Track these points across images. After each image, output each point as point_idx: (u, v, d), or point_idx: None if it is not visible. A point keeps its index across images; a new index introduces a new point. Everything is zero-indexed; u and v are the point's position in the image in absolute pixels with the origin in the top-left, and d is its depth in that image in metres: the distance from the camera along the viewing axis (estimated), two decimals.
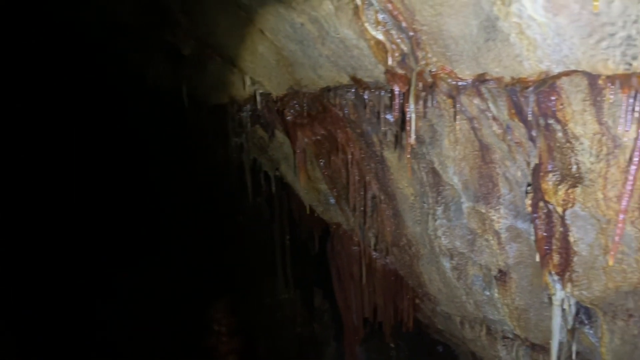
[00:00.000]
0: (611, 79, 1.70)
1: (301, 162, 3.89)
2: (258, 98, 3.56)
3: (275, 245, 5.98)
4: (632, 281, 2.32)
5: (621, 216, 1.64)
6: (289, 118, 3.56)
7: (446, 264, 3.27)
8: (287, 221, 5.64)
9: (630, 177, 1.60)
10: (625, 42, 1.50)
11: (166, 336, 5.36)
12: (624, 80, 1.57)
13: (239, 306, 5.75)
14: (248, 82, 3.47)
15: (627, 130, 1.64)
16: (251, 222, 6.13)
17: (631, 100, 1.59)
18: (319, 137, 3.63)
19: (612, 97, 1.77)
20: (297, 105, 3.46)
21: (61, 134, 5.65)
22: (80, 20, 4.01)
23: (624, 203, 1.62)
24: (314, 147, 3.75)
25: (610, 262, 1.79)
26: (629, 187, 1.61)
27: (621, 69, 1.55)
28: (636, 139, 1.54)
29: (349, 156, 3.50)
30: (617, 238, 1.67)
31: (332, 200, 4.12)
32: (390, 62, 2.35)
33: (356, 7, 2.24)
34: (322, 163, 3.80)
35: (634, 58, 1.49)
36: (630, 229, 2.09)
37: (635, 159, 1.56)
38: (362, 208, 3.75)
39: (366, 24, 2.24)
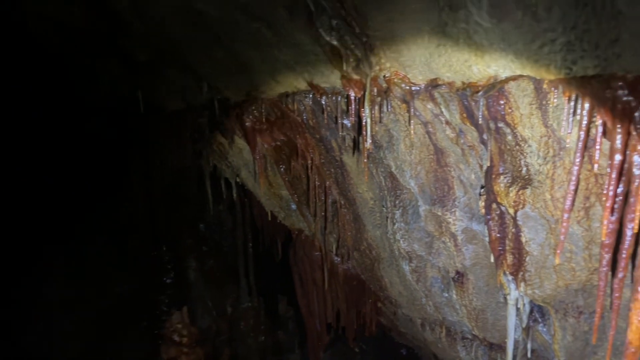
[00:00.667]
0: (554, 83, 1.76)
1: (261, 168, 3.88)
2: (216, 104, 3.52)
3: (238, 253, 5.92)
4: (581, 279, 2.41)
5: (565, 215, 1.69)
6: (248, 124, 3.54)
7: (405, 267, 3.31)
8: (250, 228, 5.60)
9: (573, 178, 1.66)
10: (565, 48, 1.55)
11: (125, 348, 5.21)
12: (565, 85, 1.62)
13: (200, 316, 5.66)
14: (205, 88, 3.43)
15: (569, 133, 1.70)
16: (213, 229, 6.06)
17: (572, 104, 1.64)
18: (278, 143, 3.63)
19: (555, 100, 1.84)
20: (255, 111, 3.45)
21: (12, 139, 5.45)
22: (29, 25, 3.89)
23: (567, 203, 1.68)
24: (274, 153, 3.74)
25: (557, 261, 1.85)
26: (572, 187, 1.67)
27: (562, 74, 1.61)
28: (577, 140, 1.59)
29: (309, 161, 3.50)
30: (562, 237, 1.72)
31: (294, 206, 4.11)
32: (345, 67, 2.37)
33: (310, 12, 2.25)
34: (282, 169, 3.79)
35: (574, 63, 1.55)
36: (577, 228, 2.17)
37: (577, 160, 1.62)
38: (322, 213, 3.76)
39: (320, 30, 2.25)
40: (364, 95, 2.44)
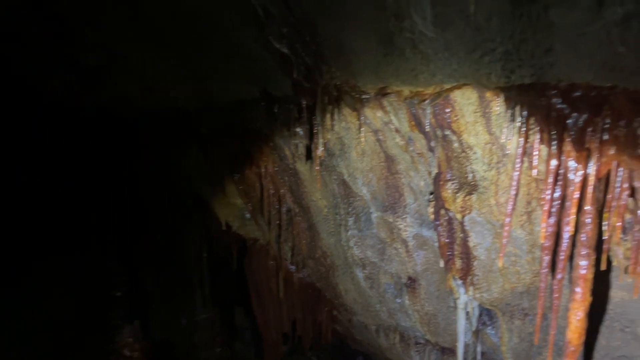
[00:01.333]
0: (495, 91, 1.82)
1: (216, 177, 3.83)
2: (169, 112, 3.46)
3: (193, 263, 5.81)
4: (525, 281, 2.48)
5: (507, 219, 1.75)
6: (202, 132, 3.50)
7: (359, 273, 3.33)
8: (205, 238, 5.50)
9: (514, 183, 1.71)
10: (504, 57, 1.61)
11: None
12: (505, 93, 1.68)
13: (154, 329, 5.51)
14: (158, 95, 3.36)
15: (510, 139, 1.76)
16: (167, 239, 5.92)
17: (512, 111, 1.70)
18: (232, 151, 3.60)
19: (497, 108, 1.90)
20: (210, 119, 3.41)
21: None
22: None
23: (509, 207, 1.74)
24: (228, 161, 3.71)
25: (500, 264, 1.91)
26: (513, 192, 1.73)
27: (502, 82, 1.67)
28: (517, 147, 1.65)
29: (263, 170, 3.49)
30: (504, 240, 1.78)
31: (248, 215, 4.08)
32: (295, 75, 2.38)
33: (260, 20, 2.25)
34: (236, 177, 3.76)
35: (512, 72, 1.60)
36: (520, 232, 2.24)
37: (517, 166, 1.68)
38: (277, 222, 3.74)
39: (270, 38, 2.26)
40: (315, 103, 2.46)
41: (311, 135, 2.88)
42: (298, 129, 2.89)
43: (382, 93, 2.30)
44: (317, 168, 2.65)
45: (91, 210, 5.86)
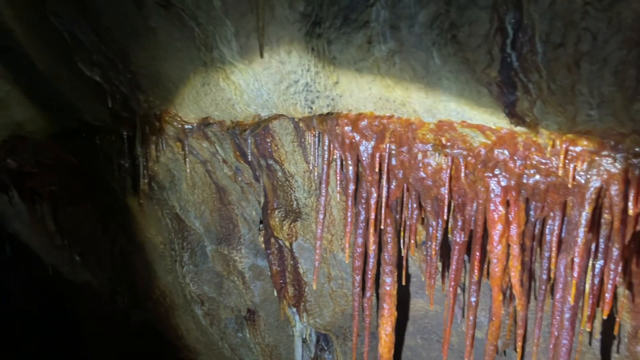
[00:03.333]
0: (305, 121, 1.90)
1: (36, 218, 3.46)
2: None
3: (18, 316, 5.13)
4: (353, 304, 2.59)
5: (317, 243, 1.81)
6: (13, 168, 3.15)
7: (198, 310, 3.21)
8: (32, 288, 4.91)
9: (321, 208, 1.79)
10: (305, 88, 1.69)
11: None
12: (310, 122, 1.76)
13: None
14: None
15: (316, 167, 1.84)
16: None
17: (317, 139, 1.79)
18: (53, 188, 3.29)
19: (310, 138, 1.99)
20: (22, 153, 3.08)
21: None
22: None
23: (318, 231, 1.81)
24: (50, 198, 3.38)
25: (314, 286, 1.96)
26: (320, 217, 1.80)
27: (306, 112, 1.75)
28: (322, 173, 1.73)
29: (90, 206, 3.24)
30: (316, 263, 1.84)
31: (77, 258, 3.73)
32: (112, 104, 2.26)
33: (67, 46, 2.11)
34: (60, 216, 3.43)
35: (313, 102, 1.69)
36: (343, 256, 2.34)
37: (323, 191, 1.76)
38: (110, 262, 3.48)
39: (80, 64, 2.13)
40: (135, 134, 2.36)
41: (137, 168, 2.75)
42: (122, 161, 2.74)
43: (205, 123, 2.28)
44: (142, 202, 2.52)
45: None
